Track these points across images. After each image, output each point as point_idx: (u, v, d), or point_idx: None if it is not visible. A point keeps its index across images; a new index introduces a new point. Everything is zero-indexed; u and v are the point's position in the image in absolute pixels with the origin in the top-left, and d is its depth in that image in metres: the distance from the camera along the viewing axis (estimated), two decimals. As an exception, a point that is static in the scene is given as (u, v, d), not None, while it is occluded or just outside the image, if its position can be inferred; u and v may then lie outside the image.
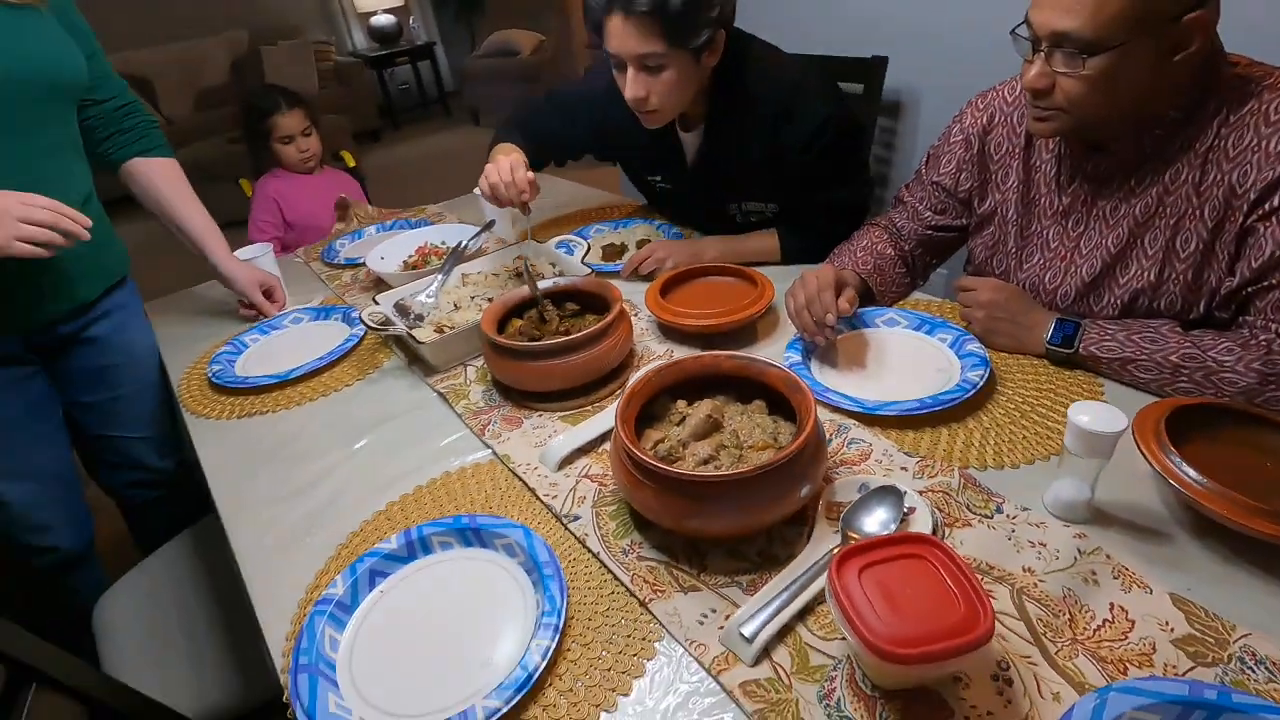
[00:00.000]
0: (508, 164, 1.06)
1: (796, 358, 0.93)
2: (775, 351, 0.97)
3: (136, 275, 1.22)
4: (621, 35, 0.99)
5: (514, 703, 0.55)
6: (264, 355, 1.13)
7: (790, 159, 1.12)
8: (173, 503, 1.31)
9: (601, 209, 1.56)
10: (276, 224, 1.81)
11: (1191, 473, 0.63)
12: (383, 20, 5.40)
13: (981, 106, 0.98)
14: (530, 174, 1.07)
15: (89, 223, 0.88)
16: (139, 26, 4.66)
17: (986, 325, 0.92)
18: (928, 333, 0.96)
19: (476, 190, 1.30)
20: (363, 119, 5.19)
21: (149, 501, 1.29)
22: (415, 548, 0.72)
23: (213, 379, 1.07)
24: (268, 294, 1.25)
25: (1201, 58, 0.75)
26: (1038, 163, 0.93)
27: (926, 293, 1.11)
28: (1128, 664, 0.54)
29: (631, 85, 1.04)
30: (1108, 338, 0.83)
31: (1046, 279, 0.93)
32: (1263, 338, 0.75)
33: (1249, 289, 0.77)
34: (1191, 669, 0.54)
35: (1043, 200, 0.93)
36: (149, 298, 1.32)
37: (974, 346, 0.90)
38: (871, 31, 1.74)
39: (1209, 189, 0.78)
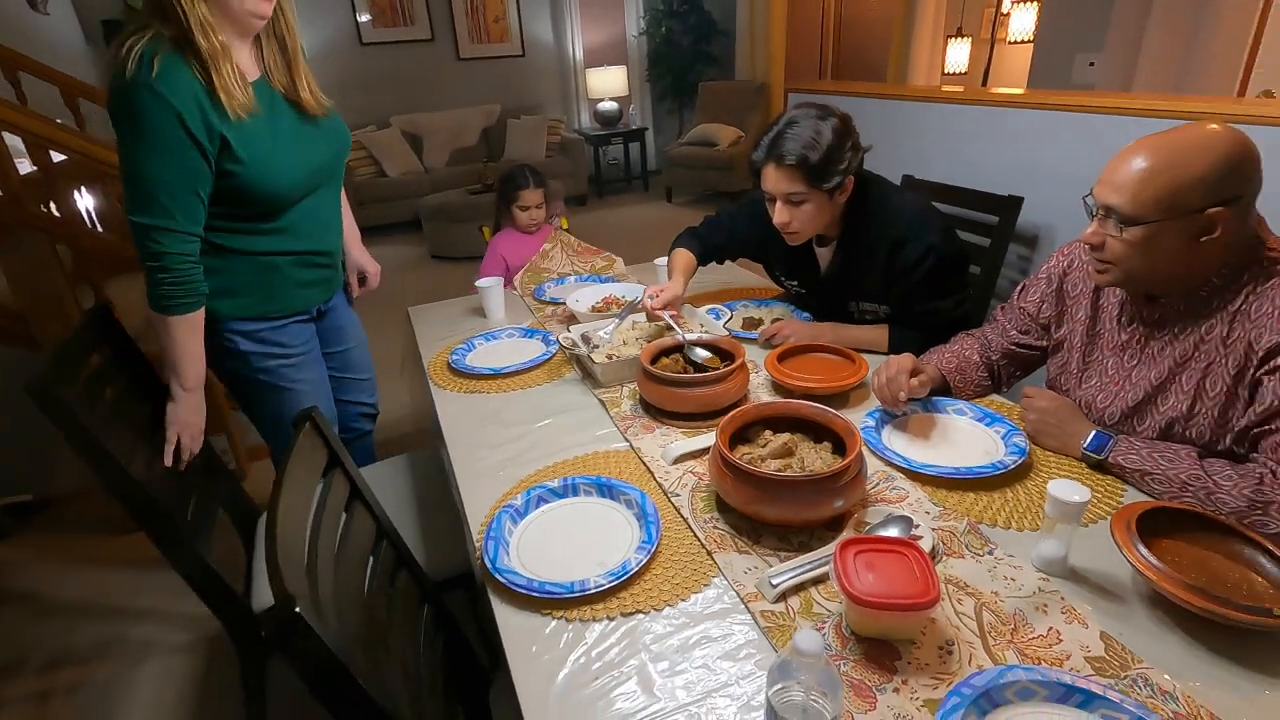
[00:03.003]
0: (657, 290, 1.53)
1: (871, 423, 1.18)
2: (859, 416, 1.22)
3: (403, 290, 1.74)
4: (774, 179, 1.34)
5: (612, 585, 0.87)
6: (487, 354, 1.58)
7: (901, 277, 1.39)
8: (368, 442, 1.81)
9: (752, 289, 1.89)
10: (500, 271, 2.34)
11: (1142, 548, 0.81)
12: (608, 106, 6.28)
13: (1065, 253, 1.20)
14: (673, 294, 1.53)
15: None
16: (423, 96, 5.88)
17: (1038, 427, 1.12)
18: (987, 424, 1.17)
19: (657, 261, 1.70)
20: (575, 185, 6.02)
21: (362, 433, 1.78)
22: (570, 489, 1.07)
23: (451, 364, 1.53)
24: (362, 279, 1.71)
25: (1230, 241, 0.93)
26: (1105, 304, 1.13)
27: (1007, 398, 1.30)
28: (1042, 660, 0.75)
29: (779, 214, 1.38)
30: (1133, 451, 1.01)
31: (1099, 400, 1.11)
32: (1258, 471, 0.90)
33: (1255, 430, 0.92)
34: (1090, 675, 0.73)
35: (1106, 334, 1.12)
36: (412, 305, 1.86)
37: (1018, 440, 1.10)
38: (1017, 174, 1.95)
39: (1234, 344, 0.95)
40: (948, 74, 4.59)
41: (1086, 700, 0.69)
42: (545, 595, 0.87)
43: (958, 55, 4.46)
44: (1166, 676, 0.72)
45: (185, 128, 1.13)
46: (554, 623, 0.84)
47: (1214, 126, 0.93)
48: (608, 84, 6.22)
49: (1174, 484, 0.96)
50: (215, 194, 1.23)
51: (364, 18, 5.65)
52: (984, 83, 4.51)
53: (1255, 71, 2.71)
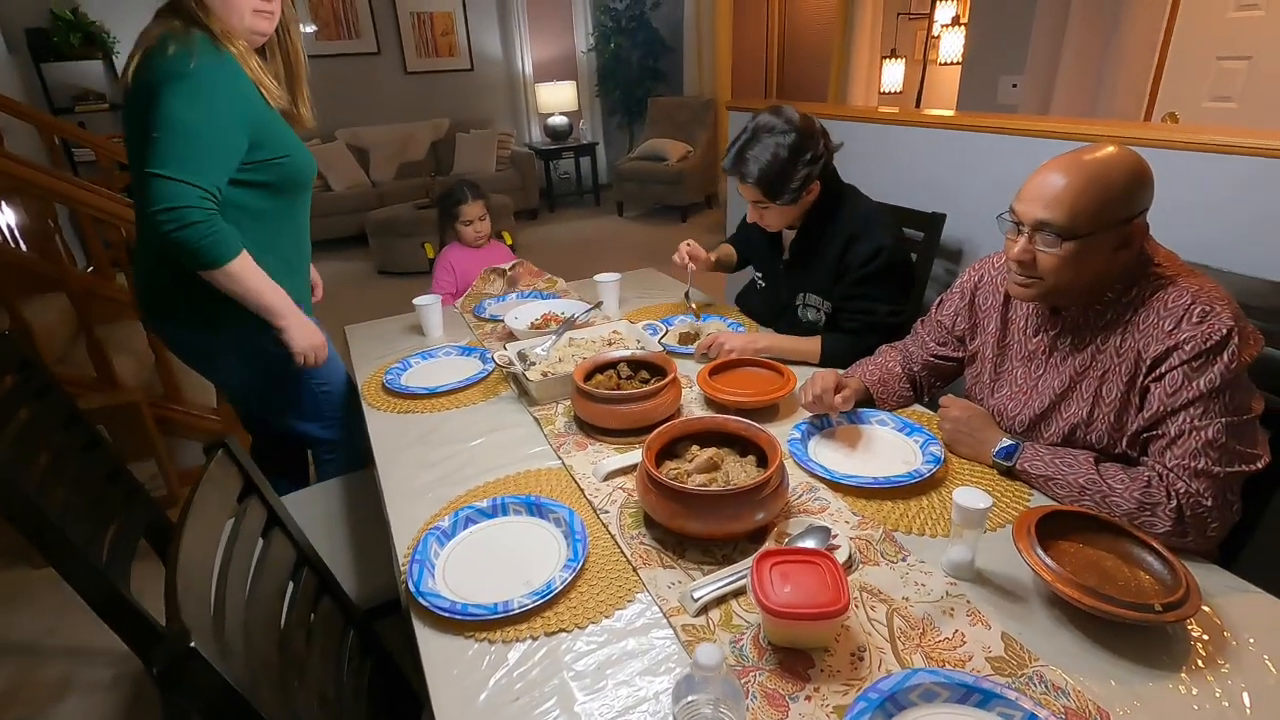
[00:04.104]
0: (683, 246, 1.81)
1: (798, 435, 1.21)
2: (787, 428, 1.25)
3: (349, 306, 1.73)
4: (741, 189, 1.52)
5: (537, 604, 0.87)
6: (423, 373, 1.57)
7: (850, 269, 1.50)
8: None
9: (689, 305, 1.92)
10: (452, 286, 2.31)
11: (1040, 551, 0.85)
12: (558, 120, 6.30)
13: (976, 269, 1.26)
14: (702, 253, 1.81)
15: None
16: (369, 110, 5.81)
17: (952, 435, 1.17)
18: (907, 434, 1.21)
19: (597, 277, 1.72)
20: (526, 199, 6.02)
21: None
22: (499, 509, 1.07)
23: (386, 384, 1.51)
24: (314, 287, 1.74)
25: (1138, 255, 1.00)
26: (1014, 316, 1.19)
27: (929, 408, 1.35)
28: (947, 662, 0.78)
29: (751, 214, 1.61)
30: (1037, 459, 1.06)
31: (1009, 408, 1.17)
32: (1146, 474, 0.95)
33: (1144, 434, 0.98)
34: (990, 674, 0.76)
35: (1015, 345, 1.18)
36: (358, 322, 1.84)
37: (935, 449, 1.14)
38: (941, 192, 2.04)
39: (1126, 353, 1.01)
40: (884, 93, 4.76)
41: (985, 699, 0.72)
42: (468, 617, 0.86)
43: (893, 75, 4.62)
44: (1060, 672, 0.76)
45: (241, 109, 1.27)
46: (476, 645, 0.84)
47: (1113, 148, 0.98)
48: (558, 98, 6.24)
49: (1074, 488, 1.01)
50: (268, 179, 1.36)
51: (308, 29, 5.56)
52: (918, 103, 4.68)
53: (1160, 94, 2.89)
